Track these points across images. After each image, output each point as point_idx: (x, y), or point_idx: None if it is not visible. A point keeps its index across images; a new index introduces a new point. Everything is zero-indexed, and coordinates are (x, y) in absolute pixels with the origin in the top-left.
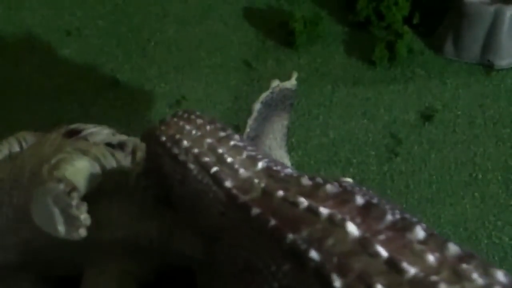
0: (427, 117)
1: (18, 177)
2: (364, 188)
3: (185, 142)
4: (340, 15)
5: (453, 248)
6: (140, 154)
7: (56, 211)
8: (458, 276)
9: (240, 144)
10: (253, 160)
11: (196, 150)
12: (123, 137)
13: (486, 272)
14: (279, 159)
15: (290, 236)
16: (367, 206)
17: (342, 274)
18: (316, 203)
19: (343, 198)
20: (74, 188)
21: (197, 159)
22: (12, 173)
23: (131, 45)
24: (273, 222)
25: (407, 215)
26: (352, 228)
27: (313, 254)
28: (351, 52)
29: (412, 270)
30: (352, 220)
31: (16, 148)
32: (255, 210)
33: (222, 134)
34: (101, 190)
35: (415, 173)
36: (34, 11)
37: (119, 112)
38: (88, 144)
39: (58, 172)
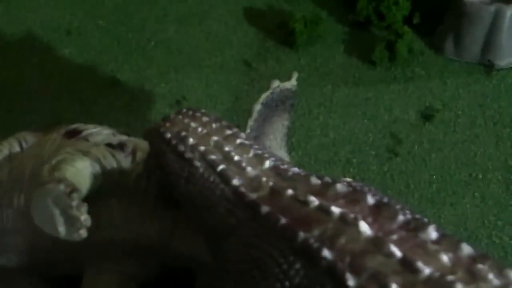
0: (427, 117)
1: (18, 178)
2: (372, 188)
3: (191, 140)
4: (340, 15)
5: (466, 249)
6: (140, 155)
7: (57, 212)
8: (473, 276)
9: (247, 142)
10: (260, 158)
11: (202, 148)
12: (123, 138)
13: (500, 272)
14: None
15: (302, 234)
16: (379, 205)
17: (356, 273)
18: (327, 202)
19: (354, 197)
20: (74, 189)
21: (203, 156)
22: (12, 174)
23: (131, 45)
24: (283, 220)
25: (418, 215)
26: (365, 227)
27: (326, 252)
28: (351, 52)
29: (426, 270)
30: (364, 219)
31: (17, 148)
32: (265, 209)
33: (228, 132)
34: (101, 191)
35: (415, 173)
36: (34, 11)
37: (119, 112)
38: (88, 144)
39: (59, 173)
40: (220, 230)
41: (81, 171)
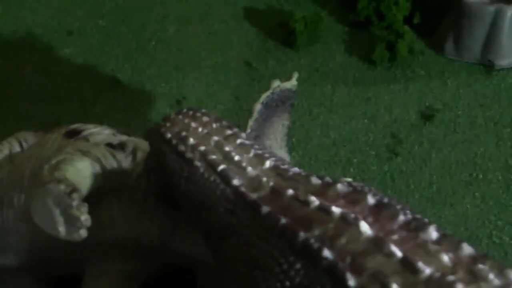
0: (427, 117)
1: (19, 178)
2: (373, 188)
3: (191, 140)
4: (341, 15)
5: (467, 249)
6: (140, 155)
7: (57, 212)
8: (474, 276)
9: (247, 142)
10: (260, 158)
11: (203, 148)
12: (123, 137)
13: (501, 272)
14: None
15: (302, 234)
16: (379, 205)
17: (356, 273)
18: (328, 202)
19: (354, 197)
20: (74, 189)
21: (204, 156)
22: (12, 174)
23: (132, 45)
24: (284, 220)
25: (419, 215)
26: (365, 227)
27: (326, 252)
28: (352, 52)
29: (427, 270)
30: (365, 219)
31: (17, 148)
32: (265, 209)
33: (228, 132)
34: (102, 191)
35: (416, 173)
36: (34, 11)
37: (119, 112)
38: (88, 144)
39: (59, 173)
40: (220, 230)
41: (81, 171)
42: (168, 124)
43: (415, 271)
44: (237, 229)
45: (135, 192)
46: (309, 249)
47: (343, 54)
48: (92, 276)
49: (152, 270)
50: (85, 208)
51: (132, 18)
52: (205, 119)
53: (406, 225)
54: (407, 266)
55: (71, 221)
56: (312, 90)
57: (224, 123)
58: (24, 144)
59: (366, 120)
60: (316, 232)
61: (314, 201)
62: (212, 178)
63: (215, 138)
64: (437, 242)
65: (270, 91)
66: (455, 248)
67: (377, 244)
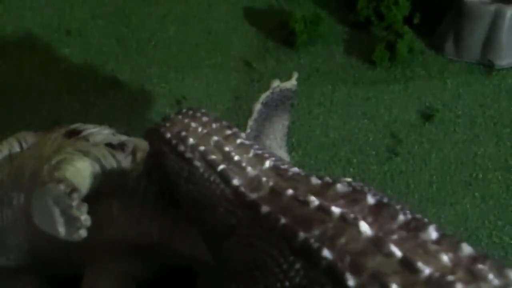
0: (427, 117)
1: (18, 178)
2: (372, 188)
3: (191, 140)
4: (341, 15)
5: (466, 249)
6: (140, 155)
7: (57, 212)
8: (474, 276)
9: (247, 142)
10: (260, 158)
11: (202, 148)
12: (123, 137)
13: (500, 272)
14: None
15: (302, 234)
16: (379, 205)
17: (356, 273)
18: (327, 202)
19: (354, 197)
20: (74, 189)
21: (203, 156)
22: (12, 174)
23: (131, 45)
24: (283, 220)
25: (419, 215)
26: (365, 227)
27: (326, 252)
28: (352, 52)
29: (427, 270)
30: (365, 219)
31: (17, 148)
32: (265, 209)
33: (228, 132)
34: (101, 191)
35: (416, 173)
36: (34, 11)
37: (119, 112)
38: (88, 144)
39: (59, 173)
40: (220, 230)
41: (81, 171)
42: (168, 124)
43: (415, 271)
44: (236, 229)
45: (134, 192)
46: (309, 249)
47: (343, 54)
48: (92, 275)
49: (151, 269)
50: (85, 208)
51: (132, 18)
52: (205, 119)
53: (406, 225)
54: (407, 266)
55: (71, 221)
56: (312, 90)
57: (224, 123)
58: (24, 144)
59: (366, 120)
60: (316, 232)
61: (314, 201)
62: (212, 178)
63: (215, 138)
64: (437, 242)
65: (270, 91)
66: (454, 248)
67: (377, 244)
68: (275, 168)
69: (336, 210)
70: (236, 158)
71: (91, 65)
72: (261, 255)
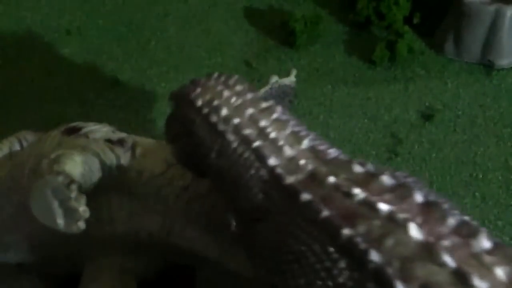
0: (427, 116)
1: (19, 175)
2: (416, 179)
3: (224, 110)
4: (341, 15)
5: None
6: (139, 151)
7: (55, 204)
8: None
9: (284, 117)
10: (297, 136)
11: (236, 120)
12: (122, 134)
13: None
14: None
15: (346, 231)
16: (428, 204)
17: (405, 281)
18: (373, 197)
19: (401, 193)
20: (73, 181)
21: (237, 130)
22: (12, 171)
23: (131, 45)
24: (325, 212)
25: (467, 217)
26: (415, 230)
27: (374, 255)
28: (352, 52)
29: (483, 286)
30: (414, 220)
31: (17, 147)
32: (305, 196)
33: (264, 104)
34: (101, 186)
35: (416, 172)
36: (34, 10)
37: (120, 112)
38: (87, 140)
39: (58, 166)
40: (252, 212)
41: (80, 164)
42: (198, 90)
43: (470, 286)
44: (272, 213)
45: (134, 187)
46: (355, 249)
47: (343, 54)
48: (92, 271)
49: (151, 265)
50: (83, 199)
51: (132, 18)
52: (239, 88)
53: (457, 229)
54: (461, 278)
55: (70, 212)
56: (312, 90)
57: (259, 94)
58: (24, 143)
59: (366, 120)
60: (361, 229)
61: (359, 193)
62: (246, 155)
63: (250, 110)
64: (491, 252)
65: (269, 86)
66: (510, 260)
67: (428, 250)
68: (313, 149)
69: (383, 207)
70: (273, 135)
71: (91, 65)
72: (300, 247)
